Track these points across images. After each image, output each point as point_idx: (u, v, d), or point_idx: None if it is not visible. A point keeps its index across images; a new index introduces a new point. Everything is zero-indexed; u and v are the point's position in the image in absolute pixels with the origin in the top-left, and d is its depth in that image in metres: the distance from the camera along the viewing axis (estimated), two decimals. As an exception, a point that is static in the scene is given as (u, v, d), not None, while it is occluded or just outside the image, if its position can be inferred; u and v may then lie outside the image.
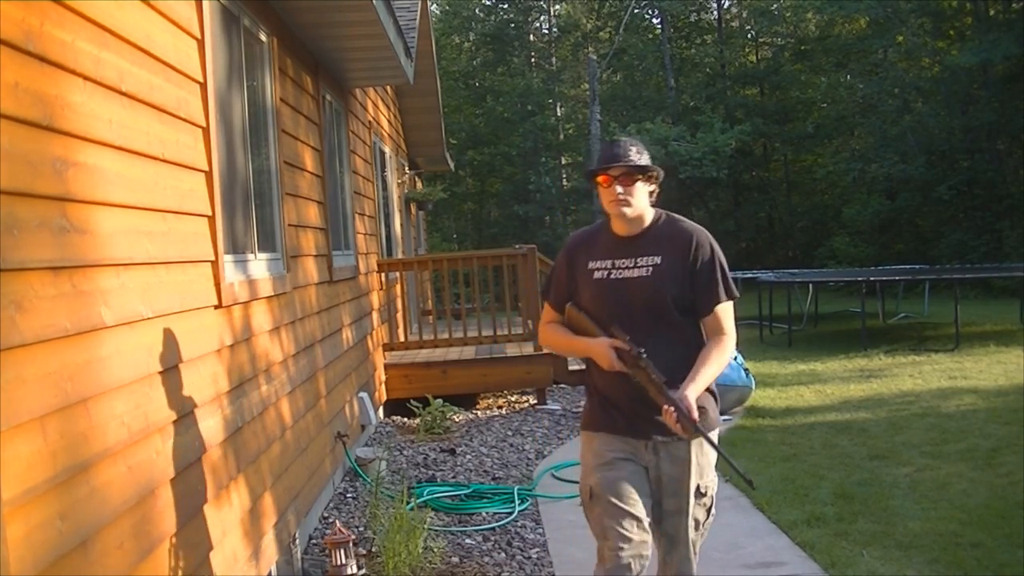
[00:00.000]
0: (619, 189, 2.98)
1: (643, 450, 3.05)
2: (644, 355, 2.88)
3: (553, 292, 3.21)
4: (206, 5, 3.89)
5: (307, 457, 5.19)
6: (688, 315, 3.03)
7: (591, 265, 3.10)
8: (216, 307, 3.74)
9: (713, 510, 3.14)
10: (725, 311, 3.06)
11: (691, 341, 3.03)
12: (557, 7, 33.07)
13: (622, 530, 2.97)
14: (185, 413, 3.25)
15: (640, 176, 3.00)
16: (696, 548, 3.12)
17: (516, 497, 5.74)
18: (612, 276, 3.06)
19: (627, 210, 3.01)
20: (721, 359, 3.02)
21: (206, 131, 3.76)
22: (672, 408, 2.83)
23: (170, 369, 3.13)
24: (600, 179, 3.02)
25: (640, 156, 2.99)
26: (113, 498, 2.57)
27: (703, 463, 3.08)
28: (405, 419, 8.60)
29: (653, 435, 3.02)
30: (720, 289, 3.03)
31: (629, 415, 3.04)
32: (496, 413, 8.81)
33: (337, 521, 4.88)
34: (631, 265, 3.04)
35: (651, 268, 3.02)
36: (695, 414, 2.84)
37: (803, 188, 29.82)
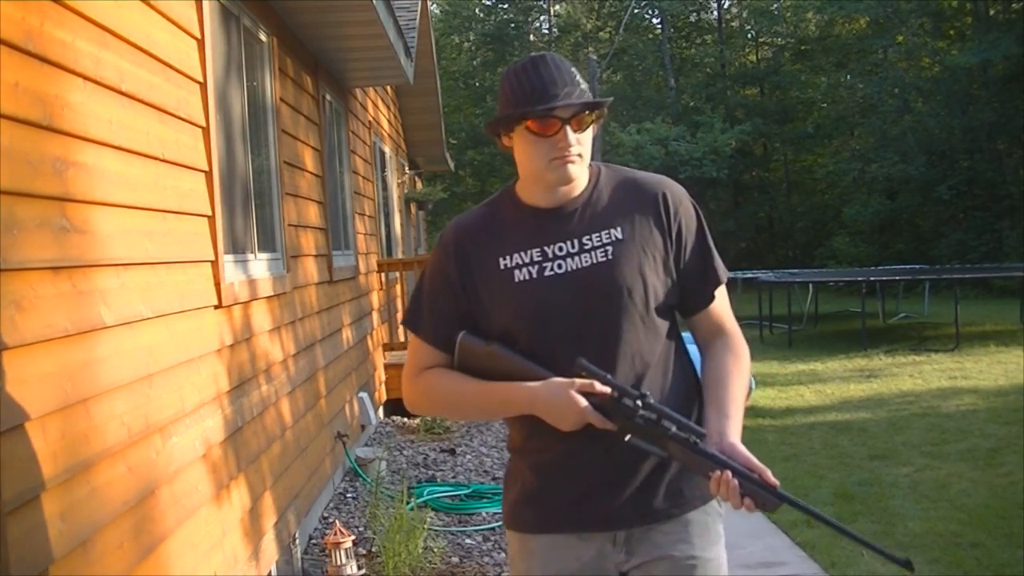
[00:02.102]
0: (572, 137, 1.87)
1: (611, 549, 1.96)
2: (649, 399, 1.82)
3: (428, 318, 2.00)
4: (206, 5, 3.89)
5: (307, 457, 5.19)
6: (667, 315, 1.98)
7: (504, 263, 1.94)
8: (216, 307, 3.74)
9: None
10: (724, 298, 2.08)
11: (674, 356, 1.99)
12: (557, 7, 33.08)
13: None
14: (185, 413, 3.25)
15: (594, 115, 1.91)
16: None
17: (516, 497, 5.73)
18: (546, 274, 1.92)
19: (576, 169, 1.91)
20: (744, 373, 2.02)
21: (206, 131, 3.76)
22: (725, 474, 1.79)
23: (170, 369, 3.13)
24: (532, 125, 1.87)
25: (582, 83, 1.91)
26: (113, 498, 2.57)
27: (711, 555, 1.99)
28: (405, 419, 8.60)
29: (630, 521, 1.94)
30: (717, 266, 2.04)
31: (589, 493, 1.93)
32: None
33: (337, 521, 4.88)
34: (575, 250, 1.93)
35: (610, 248, 1.93)
36: (769, 475, 1.82)
37: (803, 188, 29.83)
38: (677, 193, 2.03)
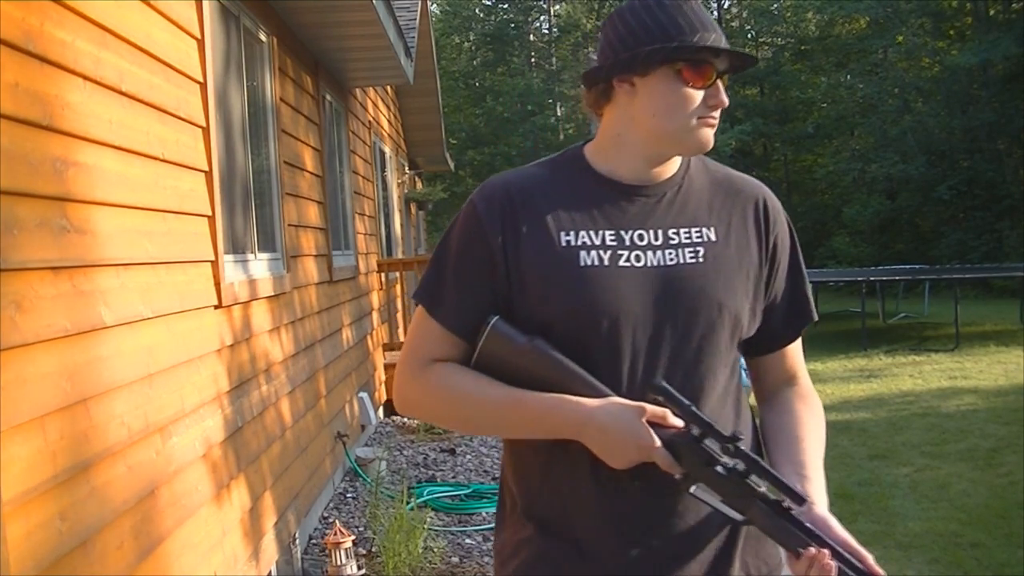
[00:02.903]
0: (724, 94, 1.51)
1: None
2: (741, 444, 1.39)
3: (452, 296, 1.53)
4: (206, 5, 3.89)
5: (307, 457, 5.19)
6: (740, 348, 1.59)
7: (566, 239, 1.49)
8: (216, 307, 3.74)
9: None
10: (800, 342, 1.74)
11: (743, 402, 1.64)
12: (557, 7, 33.09)
13: None
14: (185, 413, 3.25)
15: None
16: None
17: (516, 497, 5.73)
18: (621, 263, 1.49)
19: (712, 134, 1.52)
20: (822, 431, 1.64)
21: (206, 131, 3.76)
22: (822, 553, 1.36)
23: (170, 369, 3.13)
24: (686, 69, 1.47)
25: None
26: (113, 498, 2.57)
27: None
28: (405, 419, 8.60)
29: None
30: (810, 300, 1.69)
31: (632, 556, 1.46)
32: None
33: (337, 521, 4.88)
34: (658, 242, 1.51)
35: (701, 249, 1.53)
36: (872, 561, 1.38)
37: (803, 188, 29.84)
38: (776, 204, 1.64)
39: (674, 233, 1.53)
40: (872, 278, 14.36)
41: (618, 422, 1.40)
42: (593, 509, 1.46)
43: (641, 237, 1.51)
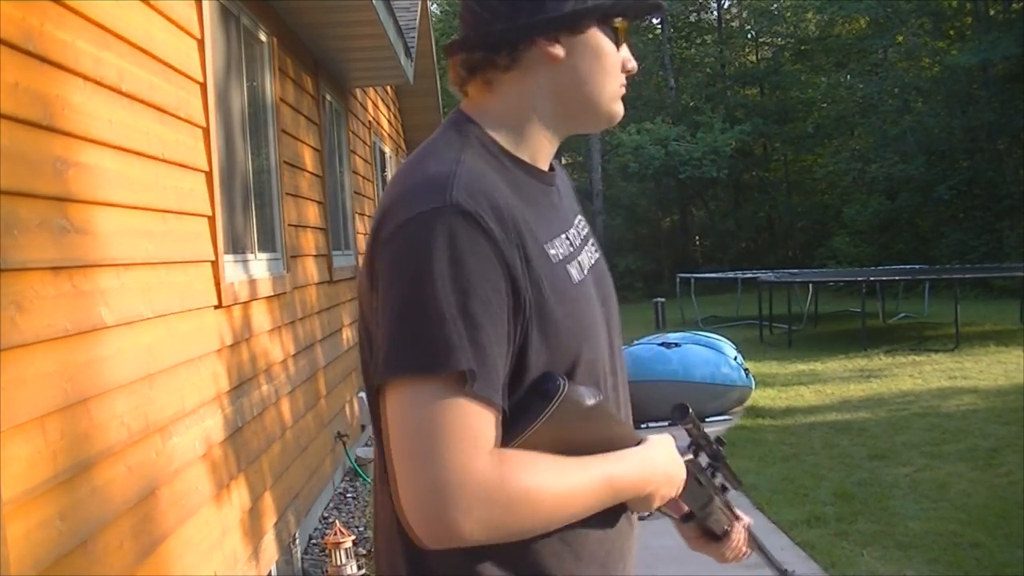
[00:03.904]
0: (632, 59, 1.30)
1: None
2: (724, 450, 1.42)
3: (482, 356, 1.07)
4: (206, 5, 3.89)
5: (307, 457, 5.19)
6: None
7: (552, 253, 1.20)
8: (216, 307, 3.74)
9: None
10: None
11: None
12: (557, 7, 33.07)
13: None
14: (185, 413, 3.25)
15: None
16: None
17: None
18: (584, 273, 1.27)
19: None
20: None
21: (206, 131, 3.76)
22: (743, 527, 1.51)
23: (170, 369, 3.13)
24: (621, 25, 1.26)
25: None
26: (113, 498, 2.57)
27: None
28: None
29: None
30: None
31: None
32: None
33: (337, 521, 4.88)
34: (583, 238, 1.33)
35: (592, 238, 1.38)
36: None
37: (803, 188, 29.82)
38: None
39: (582, 225, 1.34)
40: (872, 278, 14.36)
41: (675, 465, 1.30)
42: (623, 551, 1.31)
43: (575, 236, 1.30)
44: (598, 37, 1.24)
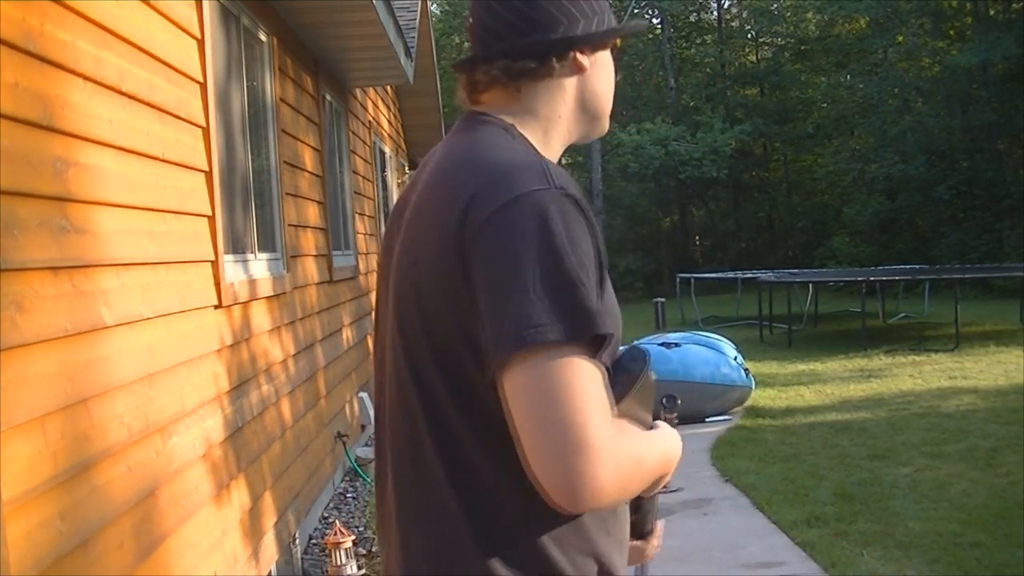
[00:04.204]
0: None
1: None
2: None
3: (606, 324, 1.16)
4: (206, 5, 3.89)
5: (307, 457, 5.19)
6: None
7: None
8: (216, 307, 3.74)
9: None
10: None
11: None
12: (557, 7, 33.07)
13: None
14: (185, 413, 3.25)
15: None
16: None
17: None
18: None
19: None
20: None
21: (206, 131, 3.76)
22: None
23: (170, 369, 3.13)
24: (614, 49, 1.42)
25: None
26: (113, 498, 2.57)
27: None
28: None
29: None
30: None
31: None
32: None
33: (337, 521, 4.88)
34: None
35: None
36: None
37: (803, 188, 29.82)
38: None
39: None
40: (872, 278, 14.36)
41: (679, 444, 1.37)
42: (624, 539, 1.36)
43: None
44: (608, 54, 1.38)
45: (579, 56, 1.33)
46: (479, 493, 1.19)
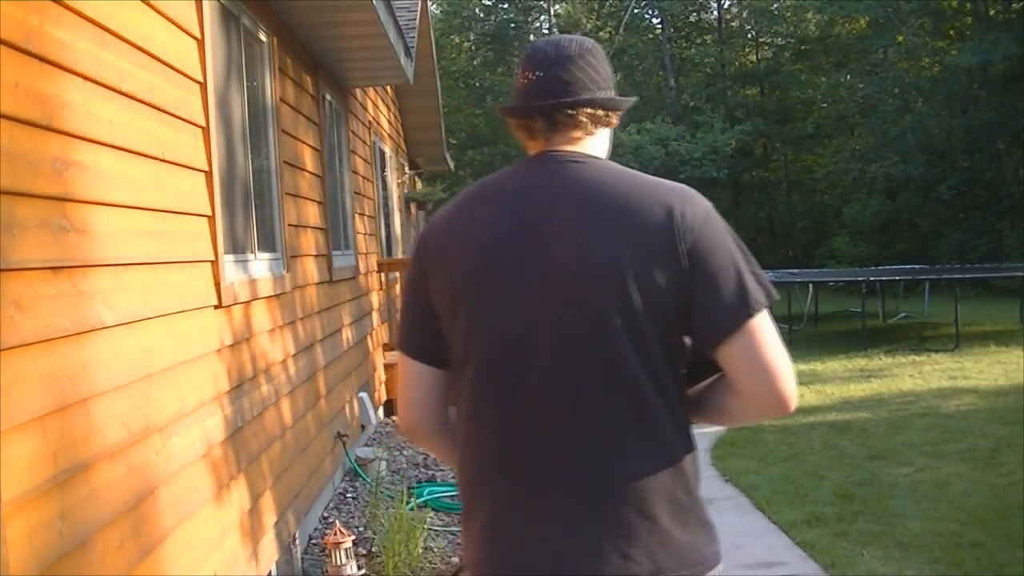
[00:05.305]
0: None
1: None
2: None
3: None
4: (206, 5, 3.89)
5: (307, 457, 5.19)
6: None
7: None
8: (216, 307, 3.74)
9: None
10: None
11: None
12: (557, 7, 33.06)
13: None
14: (185, 413, 3.25)
15: None
16: None
17: (516, 497, 5.73)
18: None
19: None
20: None
21: (206, 131, 3.76)
22: None
23: (170, 369, 3.13)
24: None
25: None
26: (113, 498, 2.57)
27: None
28: (405, 419, 8.58)
29: None
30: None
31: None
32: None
33: (337, 521, 4.88)
34: None
35: None
36: None
37: (803, 188, 29.84)
38: None
39: None
40: (872, 278, 14.36)
41: None
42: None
43: None
44: None
45: (615, 115, 1.75)
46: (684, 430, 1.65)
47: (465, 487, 1.70)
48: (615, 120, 1.75)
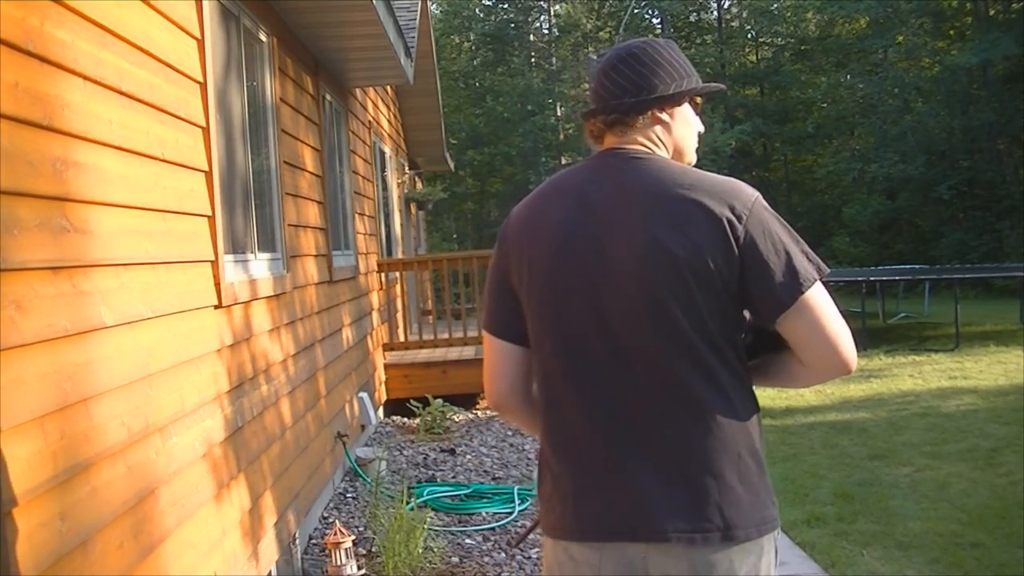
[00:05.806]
0: None
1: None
2: None
3: None
4: (206, 5, 3.89)
5: (307, 457, 5.19)
6: None
7: None
8: (216, 307, 3.74)
9: None
10: None
11: None
12: (557, 7, 33.07)
13: None
14: (185, 413, 3.25)
15: None
16: None
17: (516, 497, 5.73)
18: None
19: None
20: None
21: (206, 131, 3.76)
22: None
23: (170, 369, 3.13)
24: (697, 100, 2.01)
25: None
26: (113, 498, 2.57)
27: None
28: (405, 419, 8.60)
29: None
30: None
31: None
32: (496, 413, 8.78)
33: (337, 521, 4.88)
34: None
35: None
36: None
37: (803, 188, 29.84)
38: None
39: None
40: (872, 278, 14.37)
41: None
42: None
43: None
44: (687, 108, 1.94)
45: (658, 112, 1.89)
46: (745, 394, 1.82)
47: (548, 456, 1.86)
48: (675, 115, 1.90)
